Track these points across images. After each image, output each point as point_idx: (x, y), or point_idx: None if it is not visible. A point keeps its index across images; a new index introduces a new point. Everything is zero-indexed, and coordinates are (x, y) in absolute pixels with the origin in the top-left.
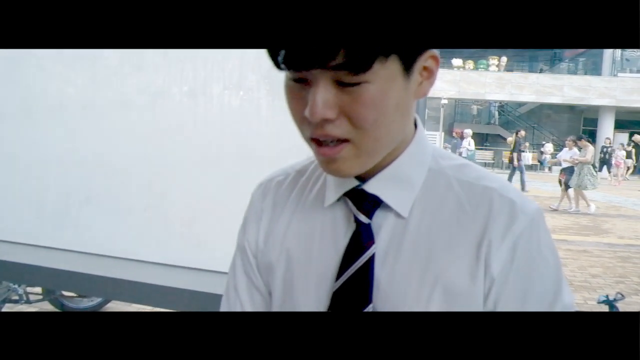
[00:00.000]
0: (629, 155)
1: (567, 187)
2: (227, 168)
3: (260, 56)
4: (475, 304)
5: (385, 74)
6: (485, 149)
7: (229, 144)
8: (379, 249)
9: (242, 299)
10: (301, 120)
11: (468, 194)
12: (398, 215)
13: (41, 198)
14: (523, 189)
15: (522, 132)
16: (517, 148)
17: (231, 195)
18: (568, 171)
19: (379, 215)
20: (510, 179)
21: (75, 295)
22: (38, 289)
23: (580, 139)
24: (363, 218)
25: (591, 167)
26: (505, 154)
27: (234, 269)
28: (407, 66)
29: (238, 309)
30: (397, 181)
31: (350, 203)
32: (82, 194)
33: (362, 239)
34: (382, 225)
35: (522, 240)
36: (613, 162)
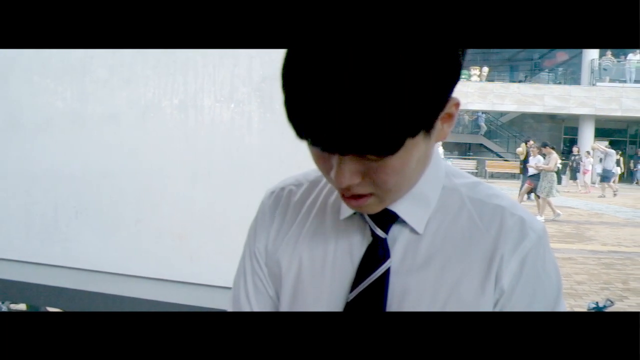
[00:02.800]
0: (617, 164)
1: (536, 194)
2: (218, 181)
3: (251, 69)
4: None
5: (408, 145)
6: (469, 159)
7: (220, 156)
8: (393, 262)
9: (253, 305)
10: (326, 174)
11: (480, 212)
12: (413, 230)
13: (29, 213)
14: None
15: (532, 142)
16: (528, 158)
17: (223, 207)
18: (535, 178)
19: (394, 229)
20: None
21: (60, 311)
22: (22, 306)
23: (545, 146)
24: (380, 232)
25: (554, 175)
26: (488, 163)
27: (243, 276)
28: (430, 128)
29: None
30: (414, 199)
31: (367, 217)
32: (71, 209)
33: (378, 252)
34: (397, 239)
35: (530, 255)
36: (581, 170)
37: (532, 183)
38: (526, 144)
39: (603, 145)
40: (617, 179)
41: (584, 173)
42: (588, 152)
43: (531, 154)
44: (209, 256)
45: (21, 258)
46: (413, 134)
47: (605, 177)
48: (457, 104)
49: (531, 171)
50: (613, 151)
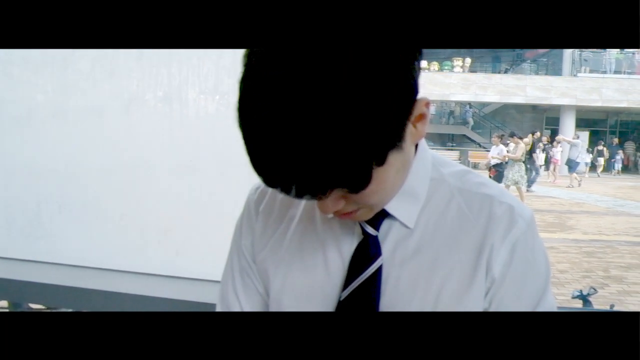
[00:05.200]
0: (600, 154)
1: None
2: (203, 174)
3: (236, 60)
4: (478, 307)
5: (380, 170)
6: (451, 149)
7: (205, 149)
8: (385, 258)
9: (242, 302)
10: None
11: (468, 202)
12: (403, 225)
13: (11, 208)
14: (529, 187)
15: (538, 134)
16: (534, 149)
17: (208, 200)
18: (499, 167)
19: (384, 225)
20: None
21: (45, 308)
22: (4, 303)
23: (512, 135)
24: (371, 230)
25: (522, 164)
26: (471, 154)
27: (231, 273)
28: (397, 144)
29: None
30: (403, 195)
31: None
32: (54, 203)
33: (369, 250)
34: (387, 234)
35: (520, 243)
36: (551, 159)
37: (495, 171)
38: (533, 135)
39: (572, 137)
40: (601, 168)
41: (554, 163)
42: (557, 142)
43: (493, 143)
44: (194, 250)
45: (3, 254)
46: (380, 163)
47: (570, 167)
48: (427, 103)
49: (493, 161)
50: (579, 141)
